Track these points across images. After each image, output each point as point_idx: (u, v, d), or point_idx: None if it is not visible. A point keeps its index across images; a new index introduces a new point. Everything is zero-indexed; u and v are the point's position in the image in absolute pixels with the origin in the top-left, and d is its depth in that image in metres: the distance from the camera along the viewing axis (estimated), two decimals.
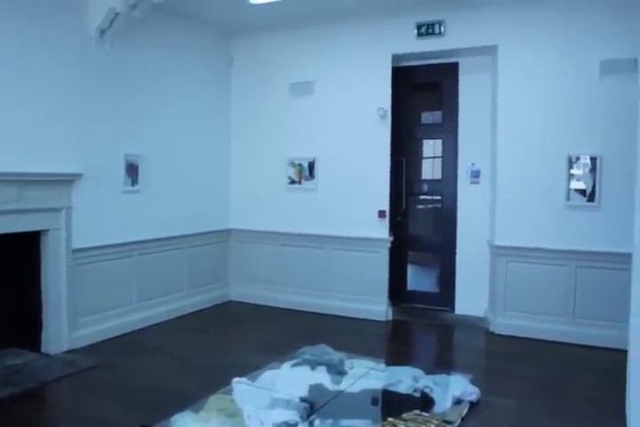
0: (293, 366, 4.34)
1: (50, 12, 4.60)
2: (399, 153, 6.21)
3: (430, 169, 6.48)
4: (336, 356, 4.49)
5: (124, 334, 5.32)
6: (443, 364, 4.85)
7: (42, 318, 4.75)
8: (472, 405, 3.77)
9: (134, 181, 5.49)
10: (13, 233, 4.45)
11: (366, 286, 6.05)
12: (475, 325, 5.80)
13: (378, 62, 5.96)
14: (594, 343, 5.04)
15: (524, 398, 3.94)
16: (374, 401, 4.06)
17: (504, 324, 5.47)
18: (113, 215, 5.26)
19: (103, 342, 5.10)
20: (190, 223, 6.21)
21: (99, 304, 5.15)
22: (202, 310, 6.34)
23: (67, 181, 4.79)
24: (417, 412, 3.55)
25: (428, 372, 4.26)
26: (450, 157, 6.17)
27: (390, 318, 6.05)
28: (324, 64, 6.24)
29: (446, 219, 6.22)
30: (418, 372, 4.24)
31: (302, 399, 3.64)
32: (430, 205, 6.55)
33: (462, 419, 3.56)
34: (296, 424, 3.33)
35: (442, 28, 5.64)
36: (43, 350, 4.75)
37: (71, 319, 4.87)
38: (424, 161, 6.57)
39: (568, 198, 5.23)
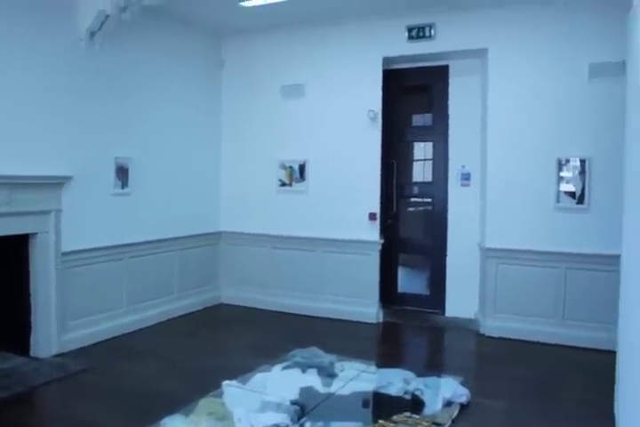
0: (284, 368, 4.34)
1: (39, 14, 4.57)
2: (390, 155, 6.22)
3: (421, 171, 6.50)
4: (327, 358, 4.48)
5: (114, 338, 5.29)
6: (433, 366, 4.86)
7: (31, 322, 4.72)
8: (462, 407, 3.78)
9: (124, 184, 5.47)
10: (2, 236, 4.41)
11: (357, 288, 6.05)
12: (465, 327, 5.81)
13: (369, 65, 5.97)
14: (583, 345, 5.06)
15: (515, 399, 3.95)
16: (365, 404, 4.06)
17: (494, 326, 5.49)
18: (103, 218, 5.24)
19: (93, 345, 5.07)
20: (181, 226, 6.19)
21: (88, 307, 5.12)
22: (192, 313, 6.31)
23: (56, 183, 4.77)
24: (407, 414, 3.56)
25: (419, 374, 4.26)
26: (440, 160, 6.19)
27: (381, 320, 6.06)
28: (315, 66, 6.25)
29: (437, 221, 6.23)
30: (408, 374, 4.24)
31: (293, 402, 3.63)
32: (421, 208, 6.56)
33: (453, 421, 3.57)
34: None
35: (432, 31, 5.67)
36: (32, 353, 4.72)
37: (60, 323, 4.84)
38: (415, 163, 6.57)
39: (558, 201, 5.26)
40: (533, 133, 5.34)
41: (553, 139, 5.26)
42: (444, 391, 3.89)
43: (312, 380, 4.12)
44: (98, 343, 5.12)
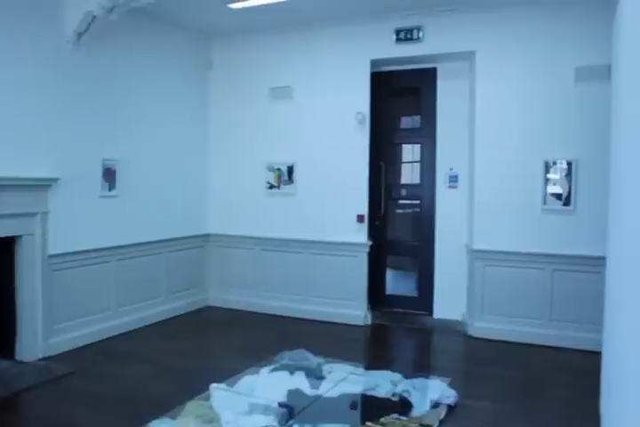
0: (272, 371, 4.34)
1: (24, 15, 4.54)
2: (378, 157, 6.24)
3: (409, 174, 6.51)
4: (315, 361, 4.49)
5: (100, 341, 5.25)
6: (421, 368, 4.87)
7: (16, 325, 4.67)
8: (450, 408, 3.79)
9: (112, 186, 5.44)
10: None
11: (345, 290, 6.06)
12: (453, 328, 5.83)
13: (357, 67, 5.99)
14: (570, 346, 5.11)
15: (502, 400, 3.97)
16: (353, 406, 4.05)
17: (482, 327, 5.51)
18: (90, 220, 5.20)
19: (79, 348, 5.04)
20: (168, 228, 6.17)
21: (75, 310, 5.08)
22: (180, 316, 6.29)
23: (43, 185, 4.73)
24: (395, 416, 3.58)
25: (407, 376, 4.27)
26: (428, 162, 6.22)
27: (369, 322, 6.06)
28: (303, 68, 6.26)
29: (425, 223, 6.25)
30: (396, 376, 4.25)
31: (281, 405, 3.63)
32: (409, 210, 6.57)
33: (440, 422, 3.58)
34: None
35: (420, 34, 5.69)
36: (17, 357, 4.67)
37: (46, 326, 4.80)
38: (403, 165, 6.59)
39: (545, 202, 5.30)
40: (521, 136, 5.37)
41: (540, 141, 5.30)
42: (432, 393, 3.90)
43: (300, 382, 4.12)
44: (84, 347, 5.09)
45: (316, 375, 4.26)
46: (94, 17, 4.79)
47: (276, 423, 3.37)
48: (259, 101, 6.50)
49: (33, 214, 4.68)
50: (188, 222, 6.52)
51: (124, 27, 5.34)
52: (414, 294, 6.42)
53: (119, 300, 5.57)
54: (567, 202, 5.22)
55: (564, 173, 5.23)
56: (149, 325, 5.86)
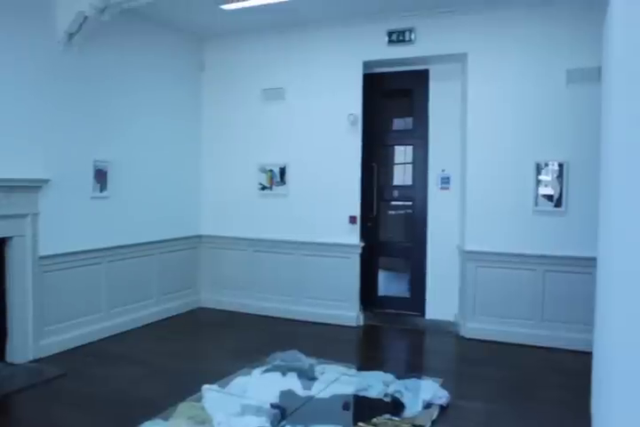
0: (264, 372, 4.33)
1: (14, 15, 4.52)
2: (370, 159, 6.25)
3: (401, 175, 6.53)
4: (307, 361, 4.49)
5: (91, 343, 5.23)
6: (413, 368, 4.87)
7: (6, 327, 4.64)
8: (442, 408, 3.80)
9: (103, 187, 5.42)
10: None
11: (337, 291, 6.06)
12: (445, 329, 5.85)
13: (349, 69, 6.00)
14: (562, 346, 5.13)
15: (494, 401, 3.98)
16: (345, 406, 4.05)
17: (474, 328, 5.53)
18: (81, 221, 5.18)
19: (70, 350, 5.01)
20: (160, 229, 6.15)
21: (66, 312, 5.06)
22: (172, 317, 6.27)
23: (33, 186, 4.71)
24: (387, 416, 3.58)
25: (399, 376, 4.28)
26: (420, 164, 6.23)
27: (361, 323, 6.07)
28: (295, 70, 6.26)
29: (417, 224, 6.26)
30: (388, 377, 4.26)
31: (273, 406, 3.64)
32: (401, 211, 6.59)
33: (432, 423, 3.59)
34: None
35: (412, 36, 5.71)
36: (7, 359, 4.65)
37: (37, 327, 4.78)
38: (395, 167, 6.61)
39: (536, 204, 5.32)
40: (512, 137, 5.40)
41: (531, 143, 5.33)
42: (424, 393, 3.91)
43: (292, 383, 4.12)
44: (76, 348, 5.06)
45: (308, 376, 4.26)
46: (86, 17, 4.77)
47: (268, 424, 3.37)
48: (251, 103, 6.50)
49: (23, 216, 4.66)
50: (180, 224, 6.51)
51: (115, 28, 5.33)
52: (406, 294, 6.43)
53: (111, 301, 5.55)
54: (558, 203, 5.24)
55: (555, 175, 5.25)
56: (141, 326, 5.84)
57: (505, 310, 5.43)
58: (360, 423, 3.47)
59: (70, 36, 4.90)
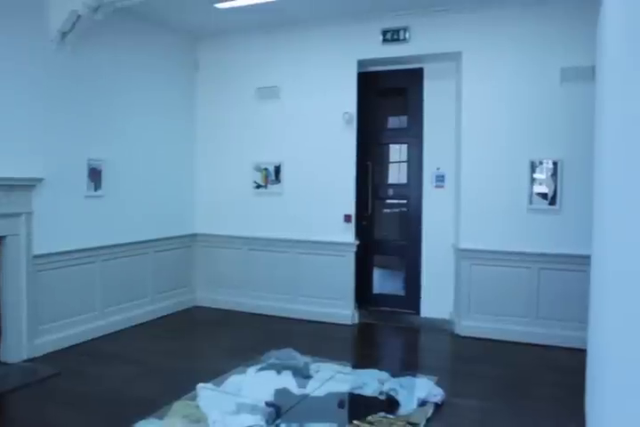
0: (259, 370, 4.33)
1: (7, 13, 4.50)
2: (365, 157, 6.25)
3: (396, 173, 6.54)
4: (302, 360, 4.49)
5: (86, 342, 5.22)
6: (408, 366, 4.88)
7: (0, 326, 4.63)
8: (437, 406, 3.81)
9: (97, 186, 5.41)
10: None
11: (332, 289, 6.06)
12: (440, 327, 5.86)
13: (343, 67, 5.99)
14: (557, 344, 5.15)
15: (489, 398, 3.99)
16: (340, 404, 4.06)
17: (469, 326, 5.54)
18: (75, 220, 5.17)
19: (65, 349, 5.00)
20: (155, 228, 6.14)
21: (60, 311, 5.05)
22: (167, 316, 6.26)
23: (27, 185, 4.69)
24: (382, 414, 3.58)
25: (394, 374, 4.29)
26: (415, 162, 6.24)
27: (356, 321, 6.07)
28: (290, 69, 6.25)
29: (412, 223, 6.27)
30: (383, 375, 4.27)
31: (268, 404, 3.64)
32: (396, 209, 6.60)
33: (427, 421, 3.59)
34: None
35: (407, 35, 5.71)
36: (1, 358, 4.63)
37: (31, 327, 4.77)
38: (390, 165, 6.61)
39: (531, 202, 5.33)
40: (507, 136, 5.41)
41: (526, 141, 5.34)
42: (419, 391, 3.93)
43: (287, 381, 4.12)
44: (70, 347, 5.05)
45: (303, 374, 4.27)
46: (79, 16, 4.76)
47: (263, 423, 3.37)
48: (246, 102, 6.49)
49: (17, 215, 4.64)
50: (175, 222, 6.50)
51: (109, 27, 5.31)
52: (401, 292, 6.44)
53: (105, 300, 5.54)
54: (553, 201, 5.26)
55: (549, 173, 5.27)
56: (136, 325, 5.83)
57: (500, 307, 5.44)
58: (355, 421, 3.47)
59: (63, 35, 4.88)
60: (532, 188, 5.33)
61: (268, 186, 6.40)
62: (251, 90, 6.44)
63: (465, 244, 5.57)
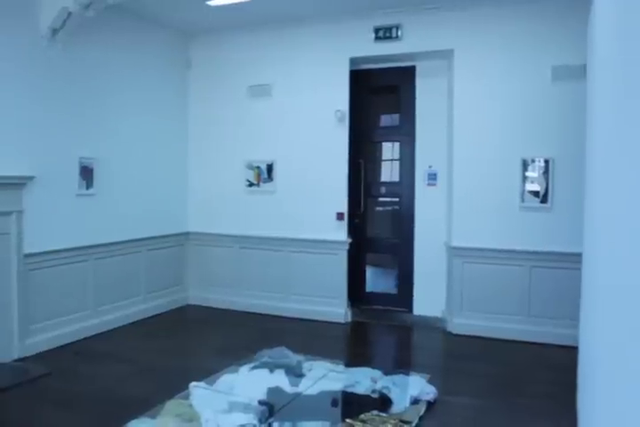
0: (252, 369, 4.33)
1: None
2: (358, 155, 6.25)
3: (389, 171, 6.54)
4: (295, 358, 4.48)
5: (78, 341, 5.20)
6: (401, 364, 4.90)
7: None
8: (430, 404, 3.82)
9: (89, 185, 5.38)
10: None
11: (325, 288, 6.07)
12: (433, 325, 5.87)
13: (336, 65, 5.99)
14: (548, 341, 5.16)
15: (481, 396, 4.01)
16: (333, 403, 4.06)
17: (461, 324, 5.55)
18: (67, 219, 5.14)
19: (56, 348, 4.98)
20: (147, 226, 6.12)
21: (52, 310, 5.02)
22: (159, 315, 6.24)
23: (18, 184, 4.66)
24: (375, 412, 3.59)
25: (387, 373, 4.30)
26: (407, 160, 6.24)
27: (349, 319, 6.08)
28: (282, 67, 6.24)
29: (404, 221, 6.28)
30: (376, 373, 4.27)
31: (261, 403, 3.63)
32: (388, 207, 6.60)
33: (420, 418, 3.60)
34: None
35: (399, 32, 5.71)
36: None
37: (23, 326, 4.74)
38: (383, 163, 6.62)
39: (522, 200, 5.35)
40: (499, 134, 5.42)
41: (518, 139, 5.35)
42: (412, 389, 3.93)
43: (280, 380, 4.11)
44: (62, 347, 5.03)
45: (295, 373, 4.26)
46: (70, 13, 4.72)
47: (255, 421, 3.37)
48: (238, 100, 6.47)
49: (8, 213, 4.61)
50: (167, 221, 6.48)
51: (100, 24, 5.28)
52: (394, 291, 6.45)
53: (97, 299, 5.51)
54: (545, 199, 5.27)
55: (541, 171, 5.28)
56: (128, 324, 5.81)
57: (492, 305, 5.45)
58: (348, 420, 3.48)
59: (54, 31, 4.85)
60: (523, 186, 5.34)
61: (261, 184, 6.39)
62: (243, 88, 6.43)
63: (457, 242, 5.58)
